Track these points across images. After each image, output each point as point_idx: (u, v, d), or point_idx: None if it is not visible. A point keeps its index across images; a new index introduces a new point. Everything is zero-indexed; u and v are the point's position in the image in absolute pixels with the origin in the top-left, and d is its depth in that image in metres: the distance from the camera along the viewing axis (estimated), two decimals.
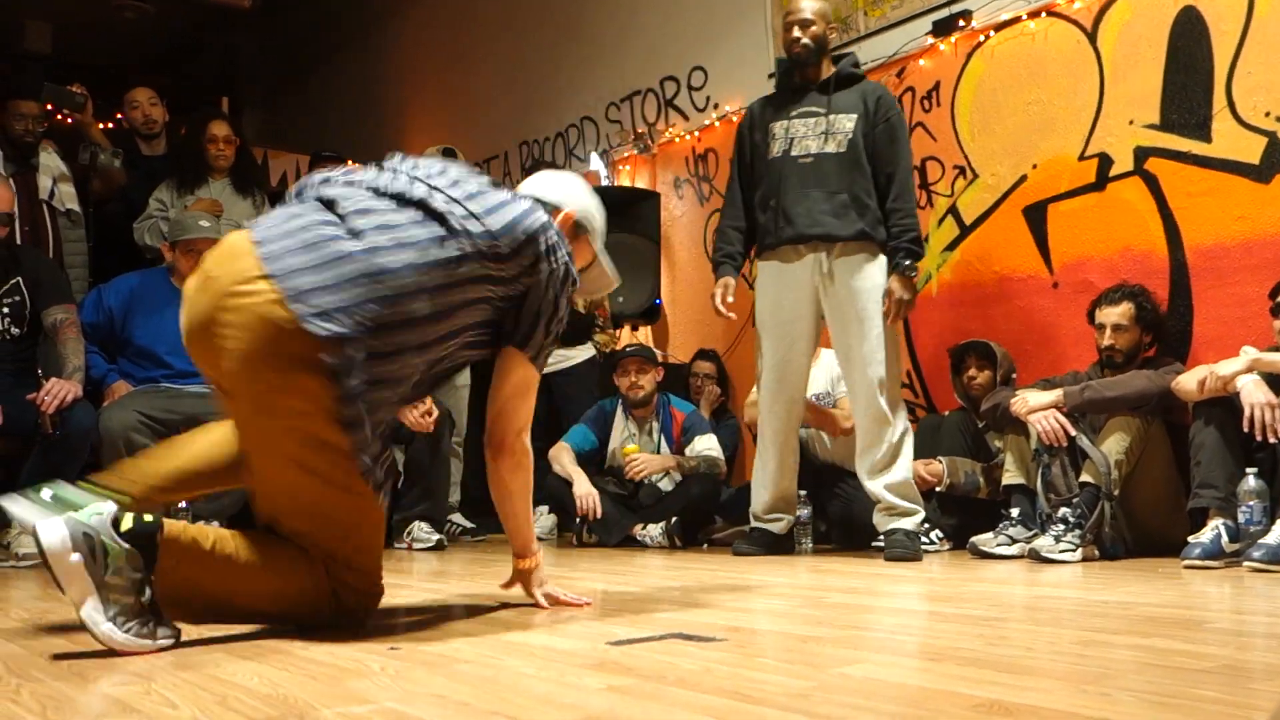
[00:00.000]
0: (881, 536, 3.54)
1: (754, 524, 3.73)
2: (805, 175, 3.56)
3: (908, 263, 3.49)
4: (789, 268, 3.60)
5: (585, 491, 4.17)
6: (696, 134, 5.56)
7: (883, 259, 3.56)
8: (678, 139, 5.67)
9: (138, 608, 1.62)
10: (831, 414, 4.06)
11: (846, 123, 3.57)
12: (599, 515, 4.16)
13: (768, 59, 5.08)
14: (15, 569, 3.35)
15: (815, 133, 3.58)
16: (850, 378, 3.60)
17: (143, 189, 4.85)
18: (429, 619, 2.03)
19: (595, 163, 6.08)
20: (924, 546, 3.62)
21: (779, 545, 3.71)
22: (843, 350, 3.60)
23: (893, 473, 3.52)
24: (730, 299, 3.67)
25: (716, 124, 5.43)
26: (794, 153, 3.59)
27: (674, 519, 4.17)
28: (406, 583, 2.84)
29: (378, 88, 8.38)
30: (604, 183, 5.96)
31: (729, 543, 4.17)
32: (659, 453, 4.42)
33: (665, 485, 4.34)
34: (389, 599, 2.42)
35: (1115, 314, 3.54)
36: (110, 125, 5.59)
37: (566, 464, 4.29)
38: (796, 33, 3.59)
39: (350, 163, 6.96)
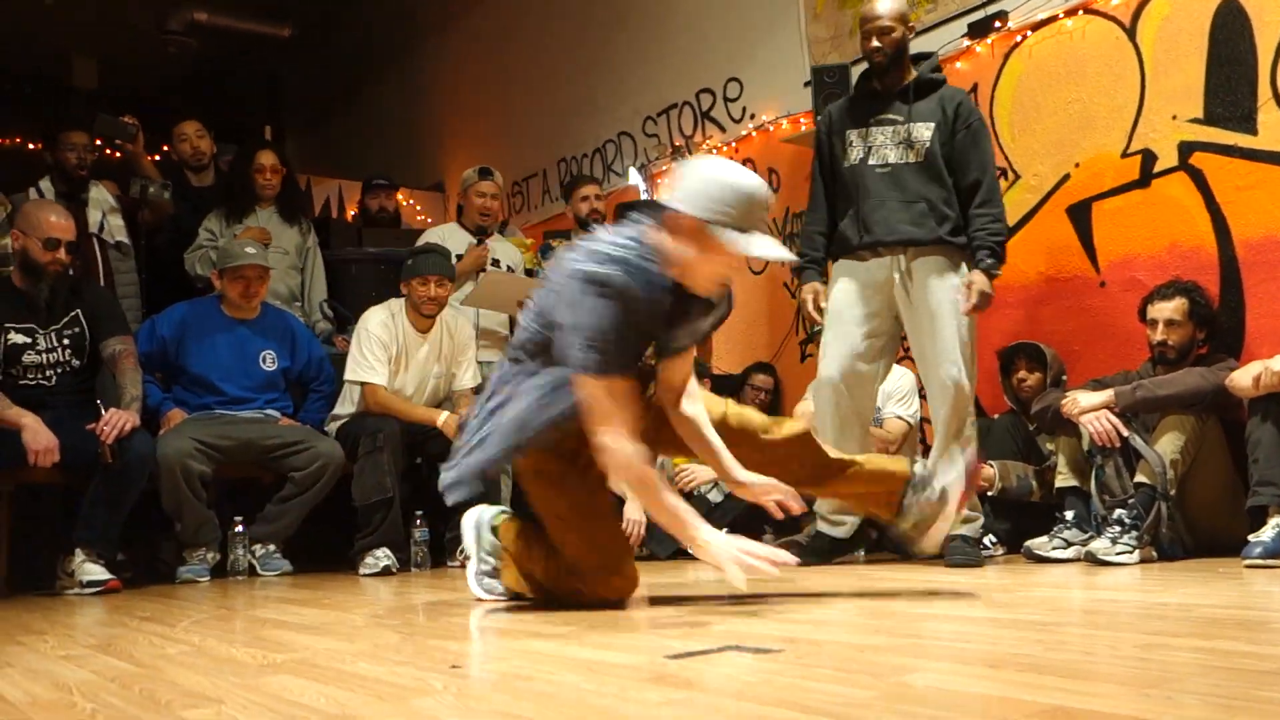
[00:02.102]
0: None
1: (818, 525, 3.72)
2: (883, 184, 3.54)
3: (990, 261, 3.46)
4: (867, 265, 3.59)
5: (633, 518, 4.16)
6: (734, 145, 5.58)
7: (957, 264, 3.54)
8: (715, 150, 5.68)
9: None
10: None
11: (925, 131, 3.53)
12: (642, 541, 4.18)
13: (803, 67, 5.09)
14: (80, 595, 3.42)
15: (893, 142, 3.56)
16: (925, 376, 3.58)
17: (191, 220, 4.95)
18: (487, 636, 2.05)
19: (634, 177, 6.11)
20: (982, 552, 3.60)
21: (839, 550, 3.69)
22: (917, 350, 3.59)
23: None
24: (823, 303, 3.67)
25: (754, 134, 5.44)
26: (872, 161, 3.57)
27: (724, 529, 4.15)
28: (462, 601, 2.87)
29: (417, 110, 8.49)
30: (643, 196, 5.99)
31: None
32: None
33: (715, 496, 4.34)
34: (446, 617, 2.45)
35: (1168, 309, 3.50)
36: (157, 157, 5.71)
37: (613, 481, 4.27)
38: (875, 41, 3.54)
39: (402, 190, 7.06)
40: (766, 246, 2.22)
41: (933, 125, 3.53)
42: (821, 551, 3.67)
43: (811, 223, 3.76)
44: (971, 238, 3.51)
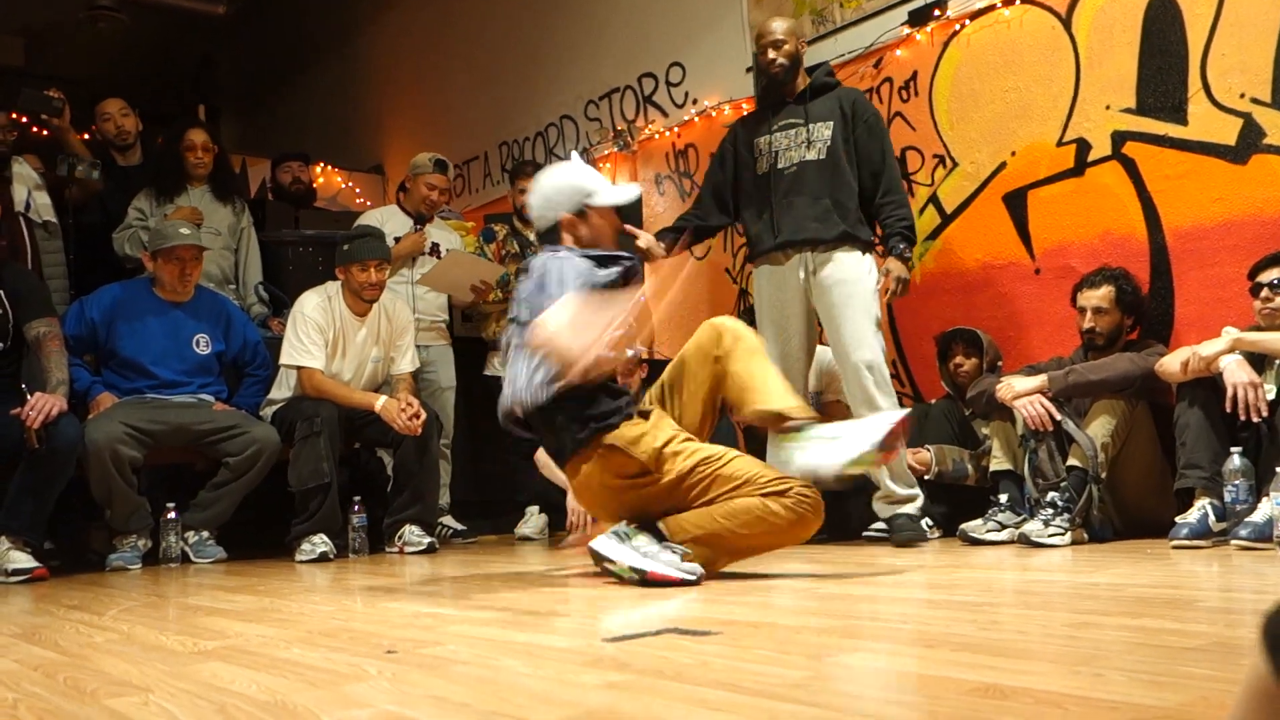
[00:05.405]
0: (882, 523, 3.66)
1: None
2: (790, 184, 3.76)
3: (903, 246, 3.66)
4: (779, 270, 3.79)
5: (576, 506, 4.14)
6: (676, 130, 5.57)
7: (862, 254, 3.72)
8: (657, 135, 5.67)
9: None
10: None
11: (825, 130, 3.76)
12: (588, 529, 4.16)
13: (745, 54, 5.09)
14: (5, 584, 3.34)
15: (797, 143, 3.78)
16: (841, 362, 3.72)
17: (120, 199, 4.82)
18: (424, 622, 2.04)
19: (576, 161, 6.06)
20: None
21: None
22: (832, 339, 3.75)
23: None
24: (656, 248, 3.85)
25: (696, 120, 5.43)
26: (779, 165, 3.79)
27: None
28: (400, 586, 2.84)
29: (356, 92, 8.36)
30: None
31: None
32: None
33: None
34: (383, 603, 2.42)
35: (1096, 297, 3.57)
36: (86, 136, 5.56)
37: (557, 469, 4.24)
38: (772, 54, 3.78)
39: (321, 164, 6.92)
40: (615, 193, 2.93)
41: (832, 124, 3.76)
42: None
43: (691, 212, 4.03)
44: (883, 226, 3.74)
